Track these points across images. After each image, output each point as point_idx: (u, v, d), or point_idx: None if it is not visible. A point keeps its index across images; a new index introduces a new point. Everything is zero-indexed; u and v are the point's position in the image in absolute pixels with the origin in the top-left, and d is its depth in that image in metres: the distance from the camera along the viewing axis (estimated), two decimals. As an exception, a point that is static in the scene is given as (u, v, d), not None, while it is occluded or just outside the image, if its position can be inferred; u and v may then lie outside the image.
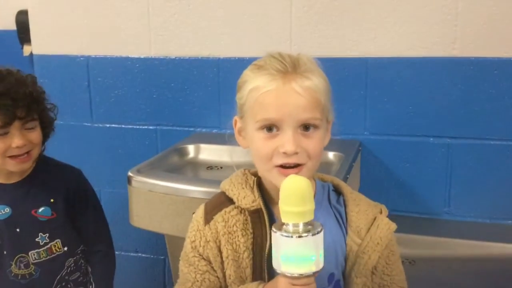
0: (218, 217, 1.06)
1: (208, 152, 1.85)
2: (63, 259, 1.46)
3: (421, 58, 1.76)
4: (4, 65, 1.40)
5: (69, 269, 1.48)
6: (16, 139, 1.34)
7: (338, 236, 1.05)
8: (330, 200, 1.09)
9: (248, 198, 1.04)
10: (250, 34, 1.88)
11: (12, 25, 6.51)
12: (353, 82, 1.83)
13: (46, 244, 1.43)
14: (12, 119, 1.33)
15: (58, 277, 1.45)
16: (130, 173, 1.58)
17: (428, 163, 1.82)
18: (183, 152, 1.85)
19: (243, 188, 1.06)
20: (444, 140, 1.80)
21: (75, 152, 2.10)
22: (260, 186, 1.07)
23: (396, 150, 1.84)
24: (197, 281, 1.06)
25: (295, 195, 0.88)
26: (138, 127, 2.09)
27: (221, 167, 1.78)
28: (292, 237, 0.87)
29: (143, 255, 2.19)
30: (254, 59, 1.03)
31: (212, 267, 1.06)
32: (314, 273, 0.89)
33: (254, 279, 1.04)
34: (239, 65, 1.91)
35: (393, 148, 1.84)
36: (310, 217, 0.88)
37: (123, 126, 2.10)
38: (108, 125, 2.12)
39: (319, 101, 0.98)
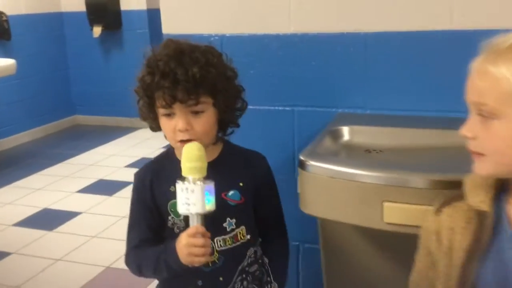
0: (447, 210, 1.09)
1: (362, 135, 1.73)
2: (246, 248, 1.39)
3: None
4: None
5: (250, 259, 1.40)
6: (179, 122, 1.28)
7: None
8: None
9: (477, 197, 1.04)
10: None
11: (82, 7, 6.57)
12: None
13: (232, 230, 1.36)
14: (171, 101, 1.26)
15: (240, 267, 1.38)
16: (301, 157, 1.47)
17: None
18: (336, 135, 1.73)
19: (479, 186, 1.06)
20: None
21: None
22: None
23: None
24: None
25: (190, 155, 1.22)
26: (273, 107, 1.98)
27: (380, 150, 1.66)
28: (188, 185, 1.19)
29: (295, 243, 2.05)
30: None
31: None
32: (207, 212, 1.20)
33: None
34: (388, 40, 1.80)
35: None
36: (203, 173, 1.21)
37: (258, 107, 1.99)
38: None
39: None
